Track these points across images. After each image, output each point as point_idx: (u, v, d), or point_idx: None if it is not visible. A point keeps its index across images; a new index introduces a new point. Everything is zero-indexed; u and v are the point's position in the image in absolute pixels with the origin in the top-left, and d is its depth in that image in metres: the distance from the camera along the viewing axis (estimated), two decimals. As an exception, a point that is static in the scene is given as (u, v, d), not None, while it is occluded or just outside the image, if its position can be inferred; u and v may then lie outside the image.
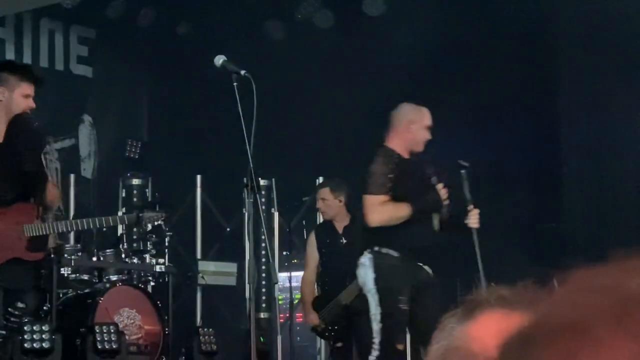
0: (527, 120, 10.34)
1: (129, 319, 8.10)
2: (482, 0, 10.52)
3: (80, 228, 5.79)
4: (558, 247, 9.95)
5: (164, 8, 11.14)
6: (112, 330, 7.58)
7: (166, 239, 9.33)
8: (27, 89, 5.77)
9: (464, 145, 10.61)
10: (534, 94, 10.30)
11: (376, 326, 6.06)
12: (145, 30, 11.20)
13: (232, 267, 10.71)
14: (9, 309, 5.70)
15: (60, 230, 5.72)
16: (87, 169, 11.34)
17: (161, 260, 9.10)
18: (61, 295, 8.02)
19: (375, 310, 6.08)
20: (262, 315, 10.19)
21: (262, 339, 8.97)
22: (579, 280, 0.93)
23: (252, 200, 5.10)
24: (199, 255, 10.67)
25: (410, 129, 6.51)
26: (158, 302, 8.40)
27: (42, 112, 10.58)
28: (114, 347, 7.54)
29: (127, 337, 7.85)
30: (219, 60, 5.20)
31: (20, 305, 5.84)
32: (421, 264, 6.30)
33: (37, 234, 5.70)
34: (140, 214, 5.81)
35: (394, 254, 6.11)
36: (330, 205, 7.82)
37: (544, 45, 10.33)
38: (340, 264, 7.59)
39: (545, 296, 1.30)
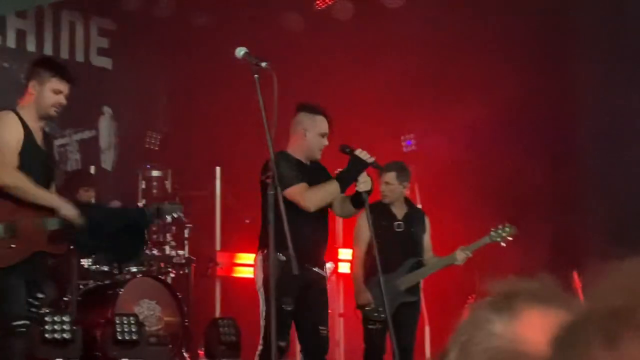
0: (544, 110, 10.30)
1: (149, 310, 8.13)
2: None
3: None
4: (575, 240, 9.92)
5: (183, -1, 11.15)
6: (132, 322, 7.61)
7: (186, 231, 9.36)
8: (58, 84, 5.79)
9: (480, 136, 10.59)
10: (551, 84, 10.26)
11: (262, 322, 6.32)
12: (164, 22, 11.20)
13: (251, 259, 10.71)
14: (29, 300, 5.72)
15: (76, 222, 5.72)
16: (107, 160, 11.37)
17: (181, 252, 9.13)
18: (81, 287, 8.05)
19: (262, 308, 6.30)
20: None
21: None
22: (619, 271, 0.94)
23: (272, 191, 5.09)
24: (218, 247, 10.67)
25: (305, 136, 6.59)
26: (178, 294, 8.42)
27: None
28: (134, 338, 7.57)
29: (147, 328, 7.88)
30: (240, 52, 5.20)
31: (40, 295, 5.85)
32: (310, 266, 6.43)
33: (57, 227, 5.71)
34: (160, 206, 5.79)
35: (282, 257, 5.87)
36: (393, 190, 7.80)
37: (560, 34, 10.29)
38: (396, 248, 7.59)
39: (572, 291, 1.30)
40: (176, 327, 8.29)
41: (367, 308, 7.50)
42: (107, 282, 8.29)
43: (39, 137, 5.88)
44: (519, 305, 1.34)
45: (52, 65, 5.97)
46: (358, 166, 6.29)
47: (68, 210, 5.73)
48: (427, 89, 10.75)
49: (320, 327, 6.58)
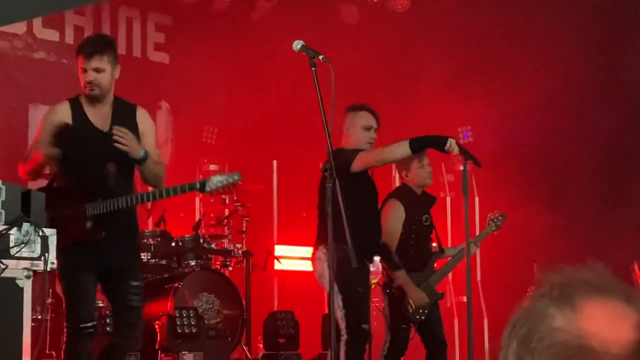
0: (596, 103, 10.19)
1: (207, 303, 8.17)
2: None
3: (140, 201, 5.69)
4: (631, 231, 9.80)
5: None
6: (191, 315, 7.65)
7: (244, 224, 9.39)
8: (81, 62, 5.68)
9: (533, 128, 10.50)
10: (609, 72, 10.14)
11: (340, 312, 6.41)
12: (220, 16, 11.25)
13: (308, 253, 10.72)
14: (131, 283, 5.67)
15: (122, 206, 5.60)
16: (164, 155, 11.45)
17: (239, 245, 9.16)
18: (141, 280, 8.11)
19: (335, 300, 6.16)
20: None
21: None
22: None
23: (331, 185, 5.09)
24: (275, 240, 10.70)
25: (351, 134, 6.77)
26: (236, 287, 8.46)
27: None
28: (194, 331, 7.61)
29: (206, 321, 7.92)
30: (298, 44, 5.20)
31: (134, 283, 5.74)
32: (367, 260, 6.62)
33: (99, 212, 5.61)
34: (206, 179, 5.69)
35: (345, 247, 6.11)
36: (431, 174, 7.56)
37: (611, 25, 10.17)
38: (425, 243, 7.50)
39: (629, 281, 1.27)
40: (235, 320, 8.32)
41: (409, 310, 7.30)
42: (166, 275, 8.36)
43: (97, 119, 5.70)
44: (578, 297, 1.30)
45: (80, 45, 5.82)
46: (438, 138, 6.30)
47: None
48: (483, 79, 10.68)
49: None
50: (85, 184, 5.61)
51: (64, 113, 5.67)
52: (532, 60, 10.45)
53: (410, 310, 7.23)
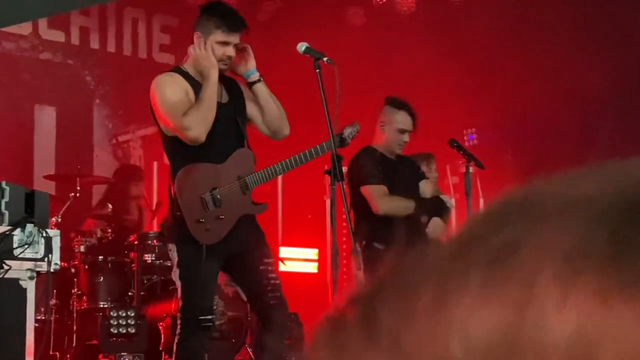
0: (604, 105, 10.17)
1: (212, 304, 8.16)
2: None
3: (295, 165, 5.57)
4: None
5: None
6: (195, 316, 7.64)
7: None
8: (221, 36, 5.37)
9: (540, 129, 10.49)
10: (618, 77, 10.13)
11: None
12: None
13: (313, 254, 10.73)
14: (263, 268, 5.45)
15: (279, 173, 5.54)
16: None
17: (243, 247, 9.15)
18: (145, 281, 8.11)
19: None
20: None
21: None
22: None
23: (333, 186, 5.08)
24: (280, 242, 10.70)
25: (384, 131, 6.63)
26: (240, 288, 8.45)
27: (126, 100, 10.74)
28: (198, 332, 7.60)
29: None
30: (302, 46, 5.20)
31: (267, 260, 5.47)
32: None
33: (260, 183, 5.46)
34: (340, 134, 5.55)
35: (380, 246, 6.23)
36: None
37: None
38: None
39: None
40: (239, 321, 8.31)
41: None
42: (170, 276, 8.35)
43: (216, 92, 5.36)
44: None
45: (215, 14, 5.48)
46: (440, 207, 6.29)
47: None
48: (490, 81, 10.67)
49: None
50: (216, 156, 5.36)
51: (180, 86, 5.36)
52: (538, 62, 10.44)
53: None
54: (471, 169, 7.46)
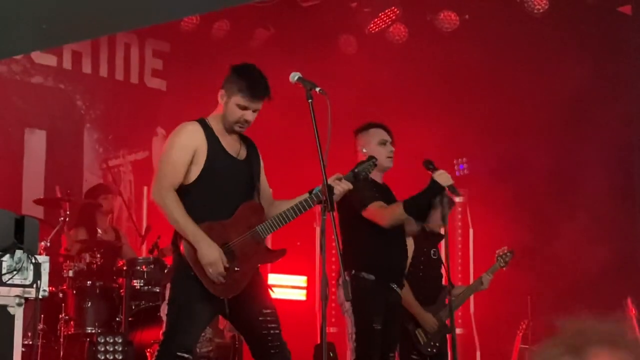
0: (593, 137, 10.20)
1: (199, 331, 8.14)
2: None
3: (303, 210, 5.61)
4: (632, 265, 9.80)
5: (237, 21, 11.21)
6: (183, 343, 7.60)
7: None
8: (242, 100, 5.48)
9: (531, 159, 10.52)
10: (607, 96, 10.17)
11: (352, 345, 6.27)
12: (218, 43, 11.27)
13: (301, 281, 10.72)
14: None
15: (287, 221, 5.58)
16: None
17: (232, 274, 9.13)
18: (133, 307, 8.09)
19: (351, 330, 6.27)
20: (331, 329, 10.19)
21: (331, 354, 8.95)
22: None
23: (324, 216, 5.08)
24: (269, 269, 10.69)
25: (367, 151, 6.53)
26: (228, 316, 8.43)
27: (117, 125, 10.74)
28: (185, 359, 7.57)
29: (198, 349, 7.88)
30: (295, 76, 5.21)
31: (266, 310, 5.52)
32: (393, 285, 6.48)
33: (272, 231, 5.52)
34: (355, 170, 5.60)
35: (370, 277, 6.30)
36: None
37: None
38: (433, 276, 7.51)
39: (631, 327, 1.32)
40: (227, 349, 8.29)
41: (420, 342, 7.32)
42: (158, 302, 8.32)
43: (232, 148, 5.53)
44: (589, 348, 1.40)
45: (242, 78, 5.56)
46: (432, 190, 6.23)
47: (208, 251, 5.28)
48: (480, 108, 10.71)
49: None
50: (224, 210, 5.44)
51: (194, 141, 5.43)
52: (526, 92, 10.48)
53: (422, 342, 7.26)
54: (459, 199, 7.49)
